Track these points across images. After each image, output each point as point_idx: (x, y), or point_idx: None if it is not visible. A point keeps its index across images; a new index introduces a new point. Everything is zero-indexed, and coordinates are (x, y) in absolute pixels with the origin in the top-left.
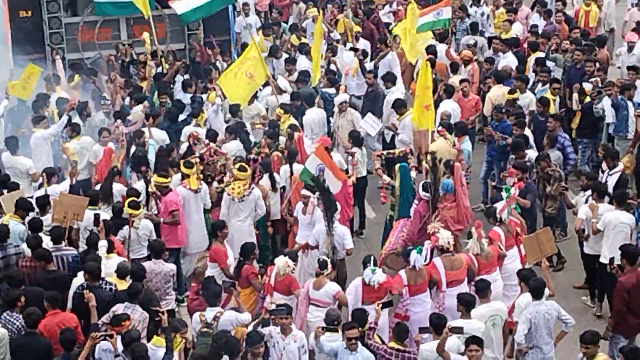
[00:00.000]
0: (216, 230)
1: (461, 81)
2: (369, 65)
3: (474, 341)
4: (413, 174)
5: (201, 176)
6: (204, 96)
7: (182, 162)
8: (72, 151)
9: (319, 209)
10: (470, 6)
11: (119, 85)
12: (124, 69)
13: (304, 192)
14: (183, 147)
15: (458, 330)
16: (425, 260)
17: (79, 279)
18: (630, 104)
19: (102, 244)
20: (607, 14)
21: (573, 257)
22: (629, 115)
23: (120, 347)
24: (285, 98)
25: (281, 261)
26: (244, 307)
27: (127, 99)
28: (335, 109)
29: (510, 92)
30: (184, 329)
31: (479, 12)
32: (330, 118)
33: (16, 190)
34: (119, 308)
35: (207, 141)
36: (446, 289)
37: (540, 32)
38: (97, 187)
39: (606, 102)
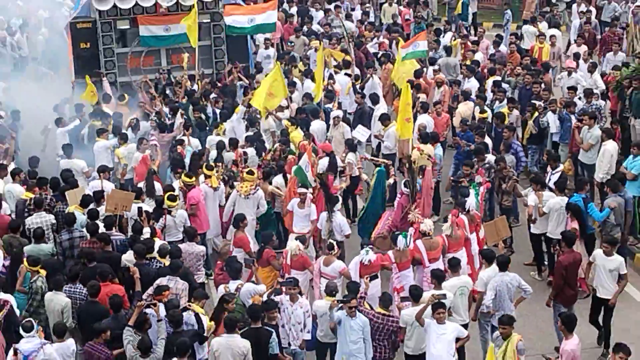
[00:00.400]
0: (238, 222)
1: (435, 103)
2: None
3: (440, 306)
4: (391, 180)
5: (221, 177)
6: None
7: (204, 165)
8: (121, 155)
9: (313, 203)
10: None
11: (159, 101)
12: (161, 92)
13: (300, 190)
14: (213, 154)
15: (442, 296)
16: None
17: (126, 256)
18: (573, 117)
19: (146, 230)
20: (559, 48)
21: (524, 239)
22: (572, 127)
23: (163, 313)
24: (286, 114)
25: (293, 244)
26: (261, 281)
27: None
28: (331, 122)
29: (480, 112)
30: (232, 300)
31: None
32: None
33: (78, 188)
34: (162, 281)
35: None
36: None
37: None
38: (140, 185)
39: (550, 116)
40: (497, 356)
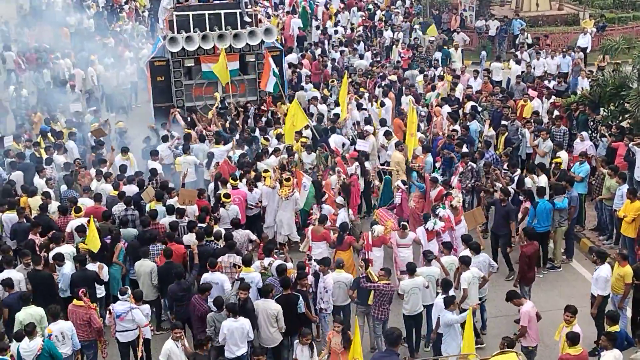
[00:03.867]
0: (324, 220)
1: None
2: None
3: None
4: (399, 182)
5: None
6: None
7: (263, 172)
8: (179, 163)
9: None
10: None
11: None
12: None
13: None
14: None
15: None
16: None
17: (187, 237)
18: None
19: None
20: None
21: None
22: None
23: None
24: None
25: (379, 228)
26: (345, 261)
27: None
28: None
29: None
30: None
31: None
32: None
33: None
34: (224, 257)
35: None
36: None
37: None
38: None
39: (527, 133)
40: None
